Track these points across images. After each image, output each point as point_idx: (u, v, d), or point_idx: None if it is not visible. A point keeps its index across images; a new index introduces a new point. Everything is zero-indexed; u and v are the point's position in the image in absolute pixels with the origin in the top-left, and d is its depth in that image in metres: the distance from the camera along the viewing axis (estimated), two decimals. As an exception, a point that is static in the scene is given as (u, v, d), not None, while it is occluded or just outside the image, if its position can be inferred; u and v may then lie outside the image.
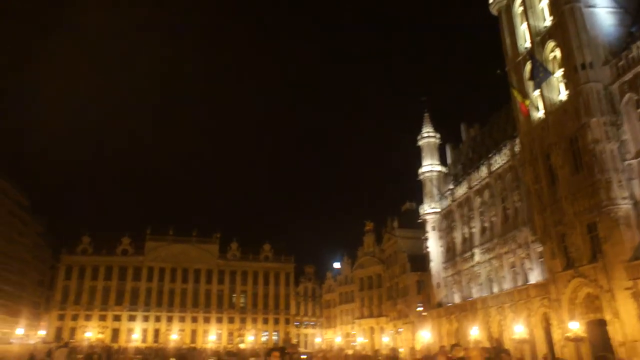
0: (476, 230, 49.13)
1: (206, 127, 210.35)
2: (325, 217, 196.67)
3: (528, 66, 37.54)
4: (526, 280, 39.89)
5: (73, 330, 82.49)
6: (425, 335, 55.99)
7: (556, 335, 33.76)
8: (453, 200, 54.46)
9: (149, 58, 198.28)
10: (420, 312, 62.14)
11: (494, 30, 42.99)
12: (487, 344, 41.15)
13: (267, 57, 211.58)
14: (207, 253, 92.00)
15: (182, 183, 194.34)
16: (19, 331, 74.92)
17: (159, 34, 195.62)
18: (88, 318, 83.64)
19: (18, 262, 77.60)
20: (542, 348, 35.84)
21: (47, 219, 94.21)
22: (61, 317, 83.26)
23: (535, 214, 36.89)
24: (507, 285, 42.53)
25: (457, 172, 59.03)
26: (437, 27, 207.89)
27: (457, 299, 52.14)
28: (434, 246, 57.33)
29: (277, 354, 10.39)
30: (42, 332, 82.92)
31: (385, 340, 72.99)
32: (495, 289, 44.42)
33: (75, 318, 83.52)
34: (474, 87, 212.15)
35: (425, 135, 61.45)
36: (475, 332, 43.66)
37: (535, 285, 37.63)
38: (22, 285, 79.75)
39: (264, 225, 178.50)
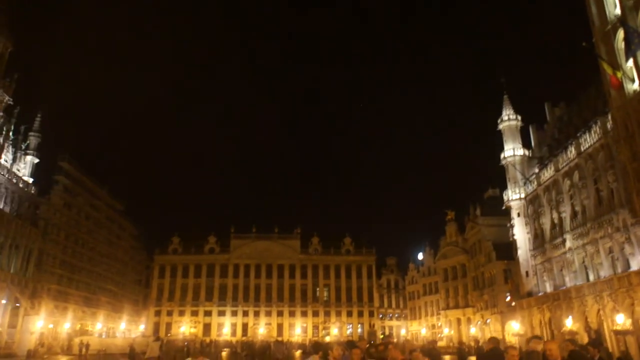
0: (566, 214, 46.11)
1: (284, 124, 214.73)
2: (406, 207, 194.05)
3: (620, 35, 34.53)
4: (627, 266, 36.83)
5: (169, 325, 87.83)
6: (515, 326, 53.61)
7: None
8: (539, 185, 51.52)
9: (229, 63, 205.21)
10: (508, 302, 59.58)
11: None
12: (584, 335, 38.64)
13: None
14: (289, 248, 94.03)
15: (262, 181, 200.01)
16: (122, 326, 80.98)
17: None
18: (181, 314, 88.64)
19: (118, 263, 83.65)
20: (649, 339, 33.03)
21: (140, 222, 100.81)
22: (157, 313, 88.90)
23: (634, 194, 33.85)
24: (605, 272, 39.49)
25: (542, 155, 55.82)
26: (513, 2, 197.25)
27: (548, 287, 49.33)
28: (520, 233, 54.66)
29: (358, 351, 10.07)
30: (141, 327, 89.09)
31: (473, 331, 70.80)
32: (592, 277, 41.46)
33: (170, 314, 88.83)
34: (556, 63, 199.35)
35: (506, 118, 58.65)
36: (570, 323, 41.10)
37: (638, 272, 34.64)
38: (123, 285, 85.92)
39: (344, 218, 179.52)
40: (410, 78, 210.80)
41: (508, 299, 59.89)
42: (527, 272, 53.48)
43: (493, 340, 12.02)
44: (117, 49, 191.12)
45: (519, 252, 54.36)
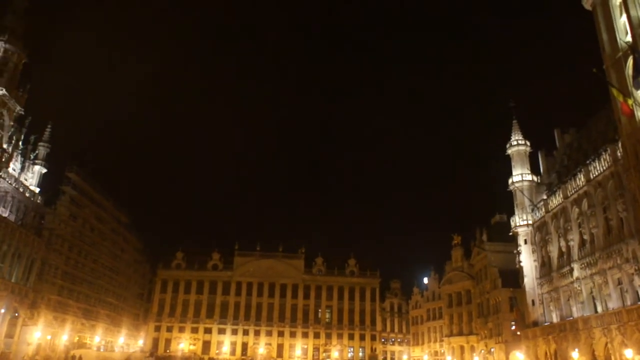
0: (574, 243, 45.29)
1: (290, 144, 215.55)
2: (411, 231, 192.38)
3: (630, 62, 34.23)
4: (637, 298, 35.87)
5: (168, 341, 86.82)
6: (520, 357, 52.30)
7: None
8: (547, 212, 50.81)
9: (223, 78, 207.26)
10: (513, 330, 58.27)
11: (586, 26, 39.90)
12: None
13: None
14: (292, 268, 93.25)
15: (267, 199, 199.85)
16: (121, 340, 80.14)
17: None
18: (181, 330, 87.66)
19: (121, 277, 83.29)
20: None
21: (145, 235, 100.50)
22: (157, 329, 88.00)
23: (643, 224, 33.20)
24: (614, 304, 38.46)
25: (551, 181, 55.24)
26: (521, 25, 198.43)
27: (554, 317, 48.20)
28: (527, 261, 53.78)
29: None
30: (140, 342, 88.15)
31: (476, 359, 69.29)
32: (600, 308, 40.43)
33: (170, 330, 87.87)
34: (565, 90, 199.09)
35: (515, 143, 58.33)
36: (576, 356, 39.95)
37: (648, 305, 33.72)
38: (124, 298, 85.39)
39: (348, 240, 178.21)
40: (416, 100, 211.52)
41: (513, 327, 58.59)
42: (533, 301, 52.41)
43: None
44: (126, 61, 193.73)
45: (526, 279, 53.40)
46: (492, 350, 65.55)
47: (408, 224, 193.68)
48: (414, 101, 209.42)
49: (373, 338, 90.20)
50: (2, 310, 48.76)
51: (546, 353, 47.38)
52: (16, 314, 52.63)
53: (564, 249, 47.51)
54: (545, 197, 52.90)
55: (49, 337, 58.97)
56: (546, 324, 49.17)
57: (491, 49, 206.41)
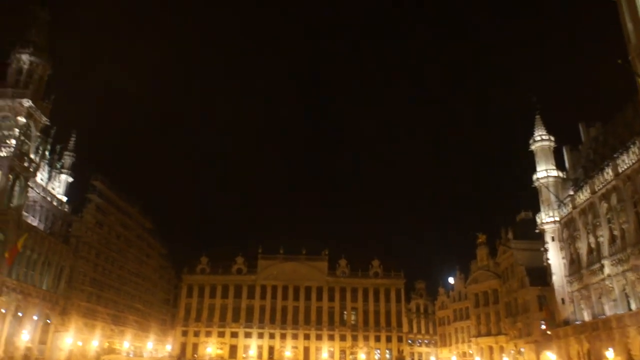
0: (604, 239, 44.09)
1: (315, 147, 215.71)
2: (435, 230, 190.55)
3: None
4: (671, 295, 34.73)
5: (195, 346, 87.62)
6: (551, 357, 51.16)
7: None
8: (574, 207, 49.64)
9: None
10: (543, 330, 57.06)
11: (609, 17, 38.91)
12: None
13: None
14: (316, 270, 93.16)
15: (290, 202, 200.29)
16: (149, 345, 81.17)
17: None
18: (208, 334, 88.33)
19: (147, 282, 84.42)
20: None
21: (169, 241, 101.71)
22: (184, 333, 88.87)
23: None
24: (648, 301, 37.34)
25: (577, 177, 54.00)
26: (542, 17, 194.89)
27: (586, 316, 47.01)
28: (555, 258, 52.62)
29: None
30: (168, 347, 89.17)
31: (506, 360, 68.06)
32: (634, 306, 39.20)
33: (197, 334, 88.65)
34: (589, 83, 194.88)
35: (538, 138, 57.25)
36: (611, 355, 38.83)
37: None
38: (151, 304, 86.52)
39: (372, 240, 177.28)
40: (438, 96, 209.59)
41: (543, 327, 57.38)
42: (562, 299, 51.26)
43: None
44: (149, 68, 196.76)
45: (554, 277, 52.25)
46: (522, 350, 64.29)
47: (432, 224, 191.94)
48: (433, 99, 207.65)
49: (400, 339, 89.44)
50: (35, 317, 49.87)
51: (579, 353, 46.19)
52: (48, 321, 53.78)
53: (593, 246, 46.33)
54: (571, 192, 51.73)
55: (79, 343, 60.05)
56: (577, 322, 47.98)
57: (511, 43, 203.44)
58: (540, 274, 57.26)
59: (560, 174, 55.40)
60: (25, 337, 47.48)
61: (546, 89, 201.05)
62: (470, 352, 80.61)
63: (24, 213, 49.77)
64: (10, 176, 45.86)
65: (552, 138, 57.17)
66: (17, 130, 47.53)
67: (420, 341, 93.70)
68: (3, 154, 45.77)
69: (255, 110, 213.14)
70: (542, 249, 55.29)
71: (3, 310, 44.55)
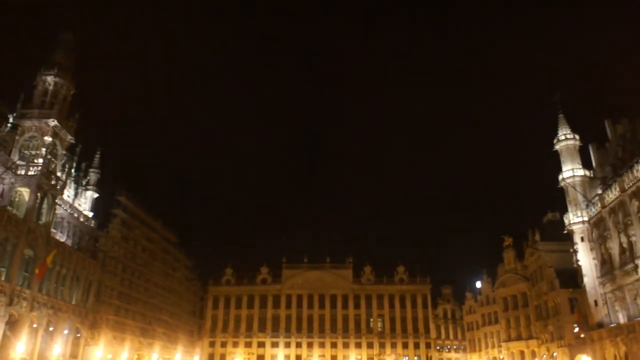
0: (637, 238, 42.84)
1: (339, 154, 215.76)
2: (460, 234, 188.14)
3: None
4: None
5: (223, 357, 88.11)
6: (586, 361, 49.78)
7: None
8: (603, 207, 48.41)
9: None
10: (577, 333, 55.57)
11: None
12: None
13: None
14: (341, 278, 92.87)
15: (313, 210, 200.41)
16: (177, 357, 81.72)
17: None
18: (235, 345, 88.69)
19: (173, 295, 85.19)
20: None
21: (194, 253, 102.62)
22: (212, 344, 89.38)
23: None
24: (685, 301, 36.05)
25: (605, 175, 52.63)
26: (559, 14, 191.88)
27: (621, 318, 45.62)
28: (585, 259, 51.29)
29: None
30: (196, 358, 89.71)
31: (539, 365, 66.48)
32: (670, 306, 37.96)
33: (224, 345, 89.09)
34: (613, 77, 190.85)
35: (562, 137, 56.13)
36: (649, 358, 37.57)
37: None
38: (178, 316, 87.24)
39: (396, 247, 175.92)
40: (459, 98, 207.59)
41: (576, 330, 55.91)
42: (595, 301, 49.87)
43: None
44: (166, 82, 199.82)
45: (585, 279, 50.92)
46: (554, 354, 62.76)
47: (456, 228, 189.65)
48: (454, 101, 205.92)
49: (428, 346, 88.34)
50: (66, 331, 50.68)
51: (615, 356, 44.79)
52: (78, 335, 54.60)
53: (625, 245, 45.05)
54: (600, 191, 50.49)
55: (109, 356, 60.78)
56: (612, 325, 46.59)
57: (535, 43, 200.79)
58: (571, 276, 55.87)
59: (587, 173, 54.12)
60: (57, 350, 48.24)
61: (569, 85, 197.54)
62: (501, 357, 79.01)
63: (52, 230, 50.73)
64: (39, 194, 46.85)
65: (577, 136, 56.00)
66: (43, 150, 48.59)
67: (449, 347, 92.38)
68: (31, 172, 46.85)
69: (276, 120, 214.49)
70: (571, 250, 53.97)
71: (35, 325, 45.39)
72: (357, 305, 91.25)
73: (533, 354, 70.17)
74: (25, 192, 46.97)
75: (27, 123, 49.76)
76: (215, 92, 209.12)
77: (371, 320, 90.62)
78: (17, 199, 47.40)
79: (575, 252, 52.58)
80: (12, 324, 42.72)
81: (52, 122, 49.99)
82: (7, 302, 41.20)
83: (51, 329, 48.46)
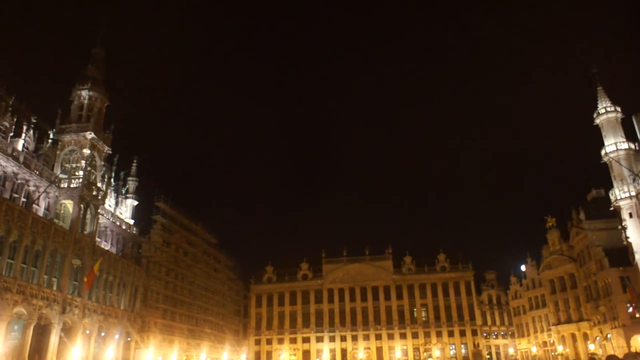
0: (690, 210, 40.90)
1: (379, 146, 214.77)
2: (501, 217, 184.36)
3: None
4: None
5: (269, 354, 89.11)
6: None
7: None
8: (652, 179, 46.41)
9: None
10: (631, 313, 53.53)
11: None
12: None
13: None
14: (381, 270, 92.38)
15: (351, 202, 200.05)
16: (225, 356, 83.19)
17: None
18: (280, 341, 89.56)
19: (217, 295, 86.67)
20: None
21: (234, 253, 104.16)
22: (257, 342, 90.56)
23: None
24: None
25: (651, 146, 50.48)
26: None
27: (678, 295, 43.70)
28: (635, 236, 49.47)
29: None
30: (243, 356, 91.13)
31: (591, 348, 64.40)
32: None
33: (269, 342, 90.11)
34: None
35: (603, 111, 54.13)
36: None
37: None
38: (223, 316, 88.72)
39: (435, 234, 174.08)
40: (496, 78, 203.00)
41: (630, 310, 53.85)
42: (649, 279, 47.95)
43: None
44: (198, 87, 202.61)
45: (637, 256, 49.12)
46: (608, 336, 60.67)
47: (497, 211, 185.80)
48: (491, 78, 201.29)
49: (474, 333, 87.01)
50: (116, 336, 52.30)
51: (672, 334, 42.99)
52: (128, 339, 56.28)
53: (677, 218, 43.09)
54: (647, 164, 48.44)
55: (159, 358, 62.39)
56: (668, 302, 44.73)
57: (571, 19, 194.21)
58: (621, 254, 53.88)
59: (632, 146, 52.05)
60: (110, 355, 49.81)
61: (606, 58, 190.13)
62: (552, 341, 76.99)
63: (97, 239, 52.40)
64: (82, 205, 48.38)
65: (619, 108, 53.88)
66: (83, 162, 50.12)
67: (495, 333, 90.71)
68: (73, 185, 48.43)
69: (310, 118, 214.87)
70: (619, 227, 52.10)
71: (87, 331, 47.05)
72: (399, 296, 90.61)
73: (585, 336, 68.02)
74: (69, 204, 48.62)
75: (67, 137, 51.47)
76: (247, 92, 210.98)
77: (414, 310, 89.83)
78: (62, 212, 49.13)
79: (624, 229, 50.73)
80: (67, 331, 44.47)
81: (90, 135, 51.50)
82: (60, 311, 42.83)
83: (103, 334, 50.12)
